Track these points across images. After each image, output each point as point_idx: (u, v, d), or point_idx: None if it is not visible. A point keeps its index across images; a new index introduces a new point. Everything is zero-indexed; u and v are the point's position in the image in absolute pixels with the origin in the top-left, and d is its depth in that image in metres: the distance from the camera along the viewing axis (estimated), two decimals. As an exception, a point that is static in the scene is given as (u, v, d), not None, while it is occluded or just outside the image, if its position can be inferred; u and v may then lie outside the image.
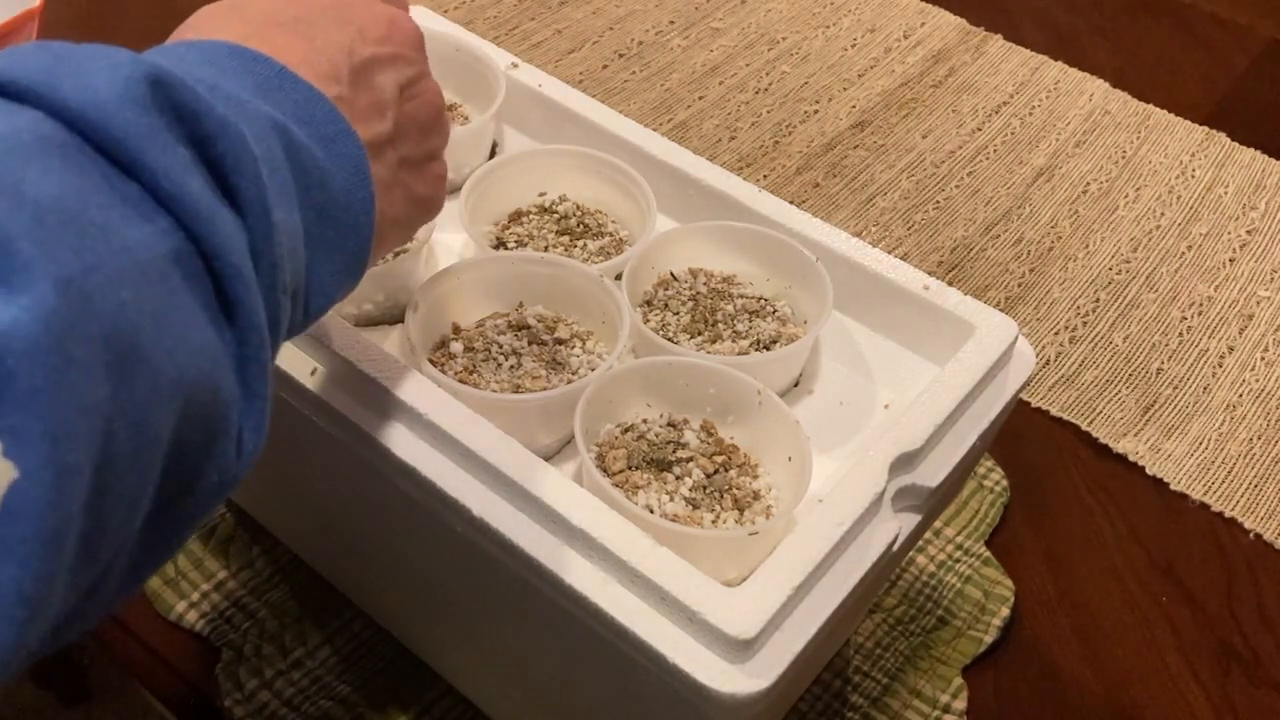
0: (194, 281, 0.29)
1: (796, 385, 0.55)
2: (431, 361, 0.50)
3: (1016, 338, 0.52)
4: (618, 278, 0.54)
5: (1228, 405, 0.77)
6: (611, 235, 0.59)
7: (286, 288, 0.32)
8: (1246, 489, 0.72)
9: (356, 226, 0.36)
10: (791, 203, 0.57)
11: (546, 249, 0.57)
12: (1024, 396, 0.76)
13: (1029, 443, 0.74)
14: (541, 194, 0.60)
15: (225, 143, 0.30)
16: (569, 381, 0.50)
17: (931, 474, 0.47)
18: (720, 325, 0.54)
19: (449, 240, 0.59)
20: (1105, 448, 0.74)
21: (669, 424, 0.51)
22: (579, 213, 0.59)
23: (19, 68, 0.28)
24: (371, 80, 0.39)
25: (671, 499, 0.47)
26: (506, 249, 0.57)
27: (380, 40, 0.40)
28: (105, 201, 0.27)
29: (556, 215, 0.59)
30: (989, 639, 0.64)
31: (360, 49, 0.39)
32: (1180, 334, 0.81)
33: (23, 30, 0.72)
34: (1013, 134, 0.96)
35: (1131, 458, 0.73)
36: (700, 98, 0.96)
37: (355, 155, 0.36)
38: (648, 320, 0.55)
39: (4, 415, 0.23)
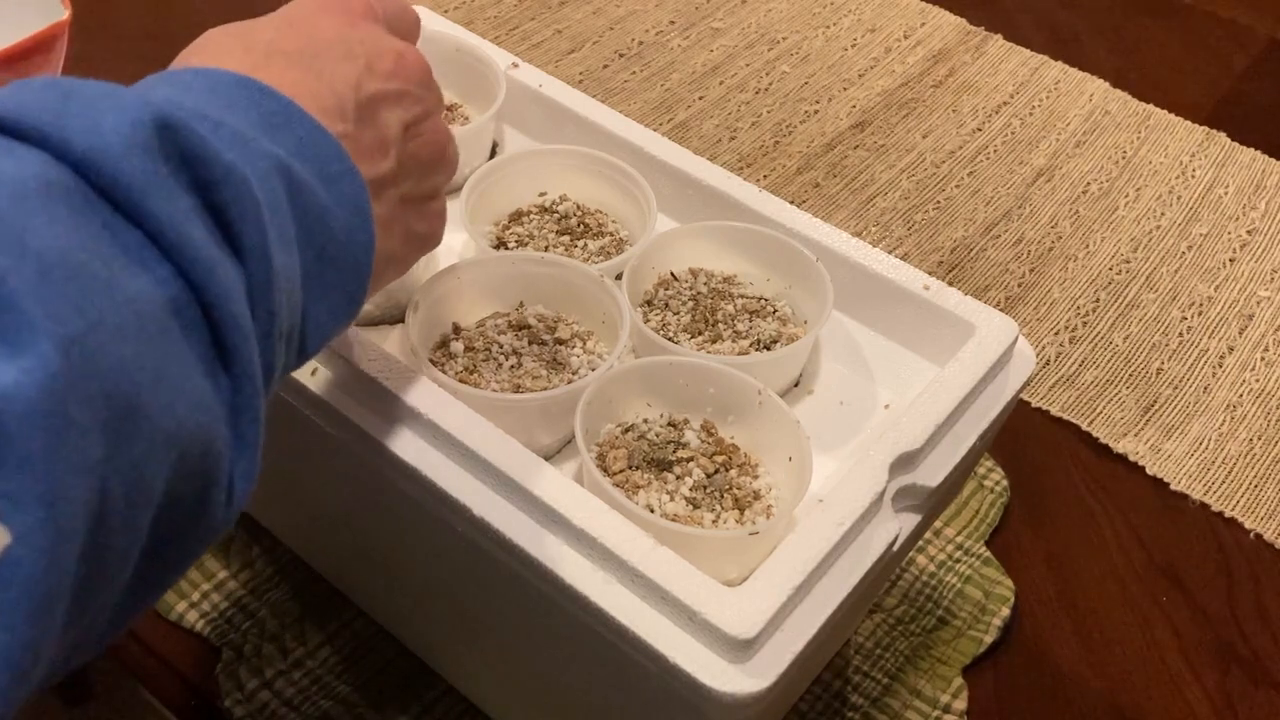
0: (192, 331, 0.29)
1: (796, 385, 0.55)
2: (432, 361, 0.50)
3: (1016, 338, 0.52)
4: (618, 278, 0.54)
5: (1228, 405, 0.77)
6: (612, 235, 0.59)
7: (282, 333, 0.32)
8: (1246, 489, 0.72)
9: (356, 266, 0.36)
10: (791, 203, 0.57)
11: (547, 249, 0.57)
12: (1024, 396, 0.76)
13: (1029, 443, 0.74)
14: (542, 194, 0.60)
15: (229, 189, 0.30)
16: (569, 381, 0.50)
17: (931, 474, 0.47)
18: (720, 325, 0.54)
19: (449, 240, 0.58)
20: (1105, 448, 0.74)
21: (669, 424, 0.51)
22: (579, 213, 0.60)
23: (27, 105, 0.28)
24: (376, 117, 0.38)
25: (672, 499, 0.47)
26: (507, 249, 0.57)
27: (388, 76, 0.39)
28: (108, 252, 0.27)
29: (557, 215, 0.59)
30: (989, 639, 0.64)
31: (367, 84, 0.38)
32: (1180, 334, 0.81)
33: (54, 44, 0.73)
34: (1013, 134, 0.96)
35: (1131, 458, 0.73)
36: (700, 98, 0.96)
37: (357, 195, 0.35)
38: (648, 320, 0.55)
39: (1, 479, 0.22)
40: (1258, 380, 0.78)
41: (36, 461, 0.23)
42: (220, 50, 0.37)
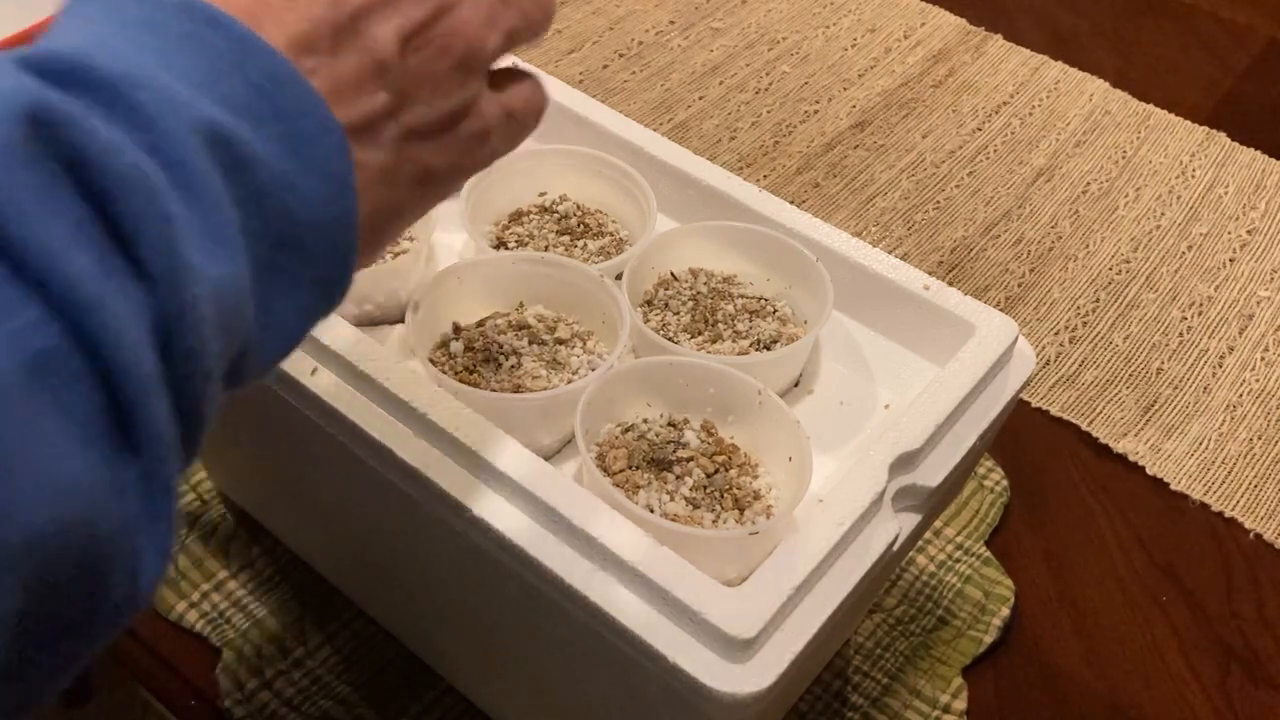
0: (69, 390, 0.22)
1: (796, 385, 0.55)
2: (431, 361, 0.50)
3: (1016, 338, 0.52)
4: (618, 278, 0.54)
5: (1228, 405, 0.77)
6: (612, 235, 0.59)
7: (211, 370, 0.25)
8: (1246, 489, 0.72)
9: (330, 248, 0.29)
10: (791, 203, 0.57)
11: (547, 249, 0.57)
12: (1024, 396, 0.76)
13: (1029, 443, 0.74)
14: (542, 194, 0.60)
15: (127, 200, 0.23)
16: (569, 381, 0.50)
17: (931, 474, 0.47)
18: (720, 325, 0.54)
19: (449, 240, 0.59)
20: (1105, 448, 0.74)
21: (669, 424, 0.51)
22: (579, 213, 0.59)
23: None
24: (361, 38, 0.30)
25: (672, 499, 0.47)
26: (507, 249, 0.57)
27: None
28: None
29: (557, 215, 0.59)
30: (989, 639, 0.64)
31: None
32: (1180, 334, 0.81)
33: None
34: (1013, 134, 0.96)
35: (1131, 458, 0.73)
36: (700, 98, 0.96)
37: (332, 158, 0.28)
38: (648, 320, 0.55)
39: None
40: (1258, 380, 0.78)
41: None
42: None
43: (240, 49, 0.27)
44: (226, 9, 0.28)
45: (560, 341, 0.52)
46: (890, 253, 0.58)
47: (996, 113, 0.98)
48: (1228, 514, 0.71)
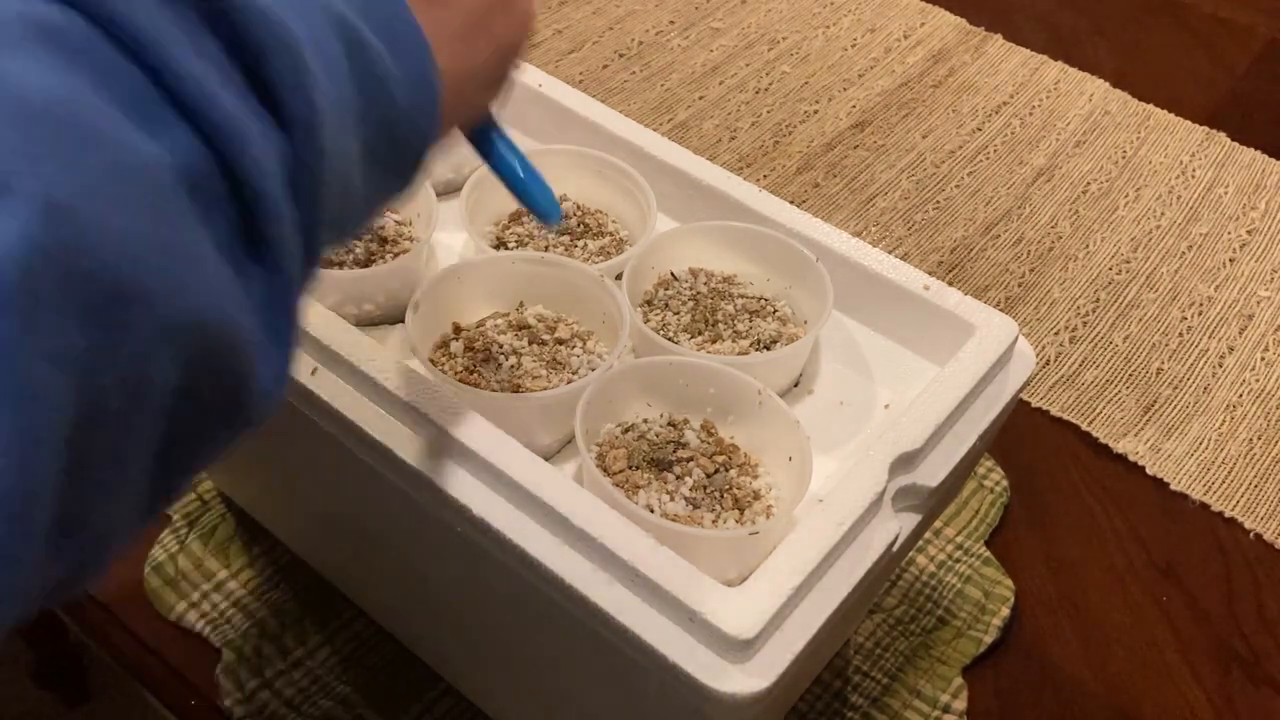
0: (214, 208, 0.25)
1: (796, 385, 0.55)
2: (431, 361, 0.50)
3: (1016, 338, 0.52)
4: (618, 278, 0.54)
5: (1228, 405, 0.77)
6: (612, 235, 0.59)
7: (327, 220, 0.28)
8: (1246, 489, 0.72)
9: (416, 141, 0.32)
10: (791, 203, 0.57)
11: (547, 249, 0.57)
12: (1024, 396, 0.76)
13: (1029, 443, 0.74)
14: (541, 194, 0.60)
15: (276, 56, 0.26)
16: (569, 381, 0.50)
17: (931, 474, 0.47)
18: (720, 325, 0.54)
19: (449, 240, 0.59)
20: (1105, 448, 0.74)
21: (669, 424, 0.51)
22: (579, 213, 0.59)
23: None
24: None
25: (672, 499, 0.47)
26: (507, 249, 0.57)
27: None
28: (111, 105, 0.23)
29: (556, 215, 0.59)
30: (989, 639, 0.64)
31: None
32: (1180, 334, 0.81)
33: None
34: (1013, 134, 0.96)
35: (1131, 458, 0.73)
36: (700, 98, 0.96)
37: (423, 63, 0.31)
38: (648, 320, 0.55)
39: None
40: (1258, 380, 0.78)
41: (3, 350, 0.19)
42: None
43: None
44: None
45: (560, 341, 0.52)
46: (890, 253, 0.58)
47: (996, 113, 0.98)
48: (1228, 514, 0.71)
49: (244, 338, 0.25)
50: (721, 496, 0.48)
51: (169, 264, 0.23)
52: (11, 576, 0.21)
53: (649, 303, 0.56)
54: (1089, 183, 0.92)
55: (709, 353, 0.53)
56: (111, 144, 0.22)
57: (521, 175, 0.42)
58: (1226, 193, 0.92)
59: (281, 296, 0.27)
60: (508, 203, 0.60)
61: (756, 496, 0.48)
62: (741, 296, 0.56)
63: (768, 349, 0.54)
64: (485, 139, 0.41)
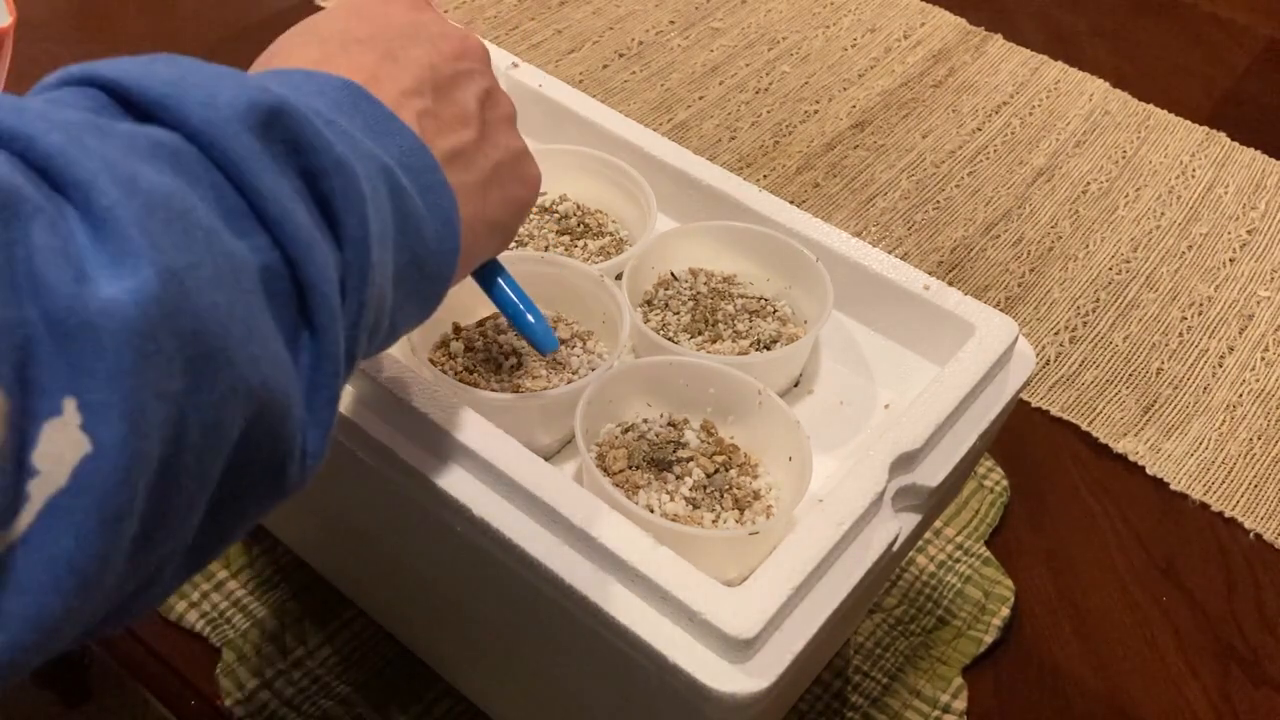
0: (280, 301, 0.29)
1: (796, 385, 0.55)
2: (432, 361, 0.50)
3: (1016, 338, 0.52)
4: (618, 278, 0.54)
5: (1228, 405, 0.77)
6: (612, 235, 0.59)
7: (368, 326, 0.33)
8: (1246, 489, 0.72)
9: (439, 277, 0.37)
10: (791, 203, 0.57)
11: (547, 249, 0.57)
12: (1024, 396, 0.76)
13: (1029, 443, 0.74)
14: (542, 194, 0.60)
15: (338, 179, 0.31)
16: (569, 381, 0.50)
17: (931, 474, 0.47)
18: (720, 325, 0.54)
19: (449, 240, 0.59)
20: (1105, 448, 0.74)
21: (669, 424, 0.51)
22: (579, 212, 0.60)
23: (150, 78, 0.29)
24: (453, 95, 0.40)
25: (672, 499, 0.47)
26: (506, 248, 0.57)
27: (456, 57, 0.41)
28: (211, 209, 0.28)
29: (557, 215, 0.59)
30: (989, 639, 0.64)
31: (441, 66, 0.40)
32: (1180, 334, 0.81)
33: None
34: (1013, 134, 0.96)
35: (1131, 458, 0.73)
36: (700, 98, 0.96)
37: (448, 208, 0.36)
38: (648, 320, 0.55)
39: (90, 390, 0.23)
40: (1258, 380, 0.78)
41: (125, 378, 0.23)
42: (295, 47, 0.38)
43: (388, 119, 0.36)
44: (351, 66, 0.37)
45: (560, 341, 0.52)
46: (890, 253, 0.58)
47: (996, 113, 0.98)
48: (1228, 514, 0.71)
49: (294, 412, 0.30)
50: (721, 496, 0.48)
51: (247, 337, 0.27)
52: (102, 572, 0.24)
53: (649, 303, 0.56)
54: (1089, 183, 0.92)
55: (709, 353, 0.53)
56: (213, 238, 0.27)
57: (522, 310, 0.46)
58: (1226, 193, 0.92)
59: (325, 383, 0.31)
60: (508, 203, 0.60)
61: (756, 496, 0.48)
62: (741, 296, 0.56)
63: (768, 349, 0.54)
64: (490, 277, 0.46)
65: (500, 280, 0.46)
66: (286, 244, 0.29)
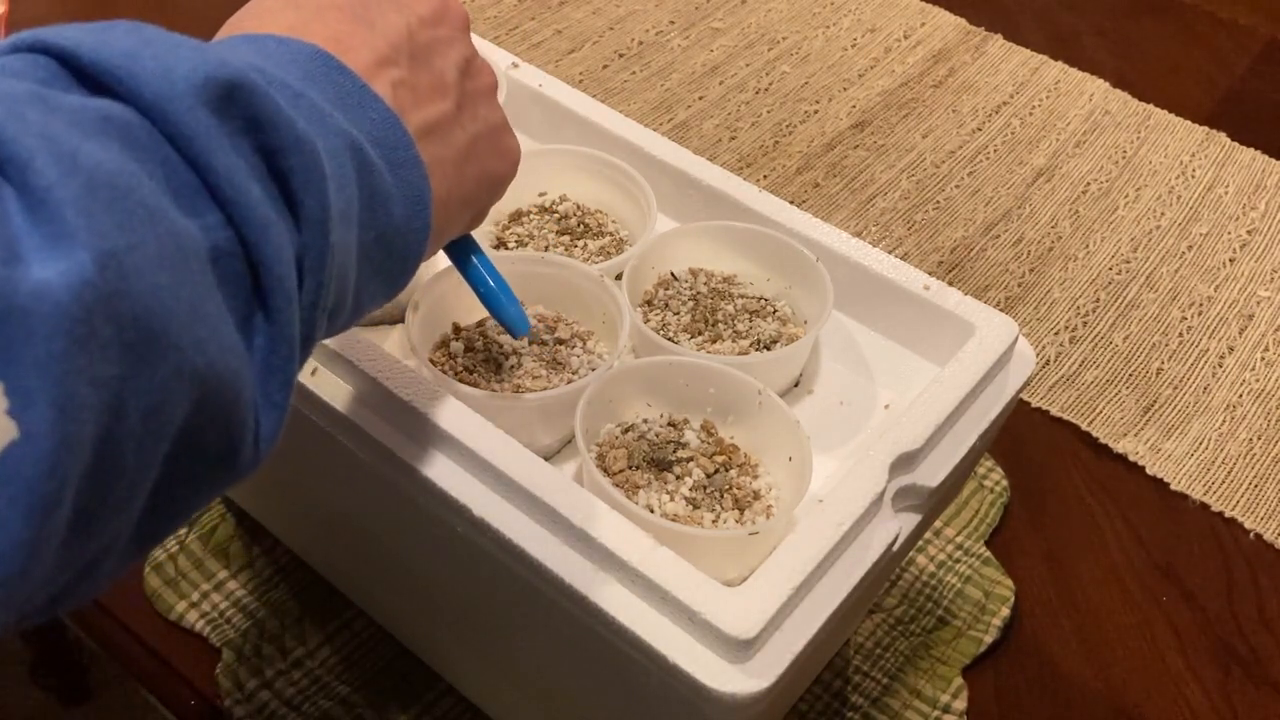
0: (233, 283, 0.28)
1: (796, 385, 0.55)
2: (432, 361, 0.50)
3: (1016, 338, 0.52)
4: (618, 278, 0.54)
5: (1228, 405, 0.77)
6: (612, 235, 0.59)
7: (326, 307, 0.32)
8: (1246, 489, 0.72)
9: (406, 255, 0.36)
10: (791, 203, 0.57)
11: (547, 249, 0.57)
12: (1024, 396, 0.76)
13: (1029, 443, 0.74)
14: (542, 194, 0.60)
15: (297, 157, 0.30)
16: (569, 381, 0.50)
17: (931, 474, 0.47)
18: (720, 325, 0.54)
19: (449, 240, 0.59)
20: (1105, 448, 0.74)
21: (669, 424, 0.51)
22: (579, 213, 0.59)
23: (105, 47, 0.28)
24: (431, 62, 0.39)
25: (672, 499, 0.47)
26: (507, 249, 0.57)
27: (435, 23, 0.40)
28: (159, 187, 0.27)
29: (557, 215, 0.59)
30: (989, 639, 0.64)
31: (418, 33, 0.39)
32: (1180, 334, 0.81)
33: None
34: (1013, 134, 0.96)
35: (1131, 458, 0.73)
36: (700, 98, 0.96)
37: (419, 185, 0.35)
38: (648, 320, 0.55)
39: (18, 375, 0.22)
40: (1258, 380, 0.78)
41: (54, 364, 0.23)
42: (270, 10, 0.37)
43: (360, 92, 0.34)
44: (326, 31, 0.35)
45: (560, 341, 0.52)
46: (890, 253, 0.58)
47: (996, 113, 0.98)
48: (1228, 514, 0.71)
49: (245, 395, 0.29)
50: (721, 496, 0.48)
51: (192, 319, 0.26)
52: (28, 561, 0.23)
53: (649, 303, 0.56)
54: (1089, 183, 0.92)
55: (709, 353, 0.53)
56: (158, 217, 0.26)
57: (494, 288, 0.45)
58: (1226, 193, 0.92)
59: (280, 366, 0.30)
60: (508, 203, 0.60)
61: (756, 496, 0.48)
62: (741, 296, 0.56)
63: (768, 349, 0.54)
64: (464, 254, 0.45)
65: (474, 259, 0.45)
66: (240, 224, 0.28)
